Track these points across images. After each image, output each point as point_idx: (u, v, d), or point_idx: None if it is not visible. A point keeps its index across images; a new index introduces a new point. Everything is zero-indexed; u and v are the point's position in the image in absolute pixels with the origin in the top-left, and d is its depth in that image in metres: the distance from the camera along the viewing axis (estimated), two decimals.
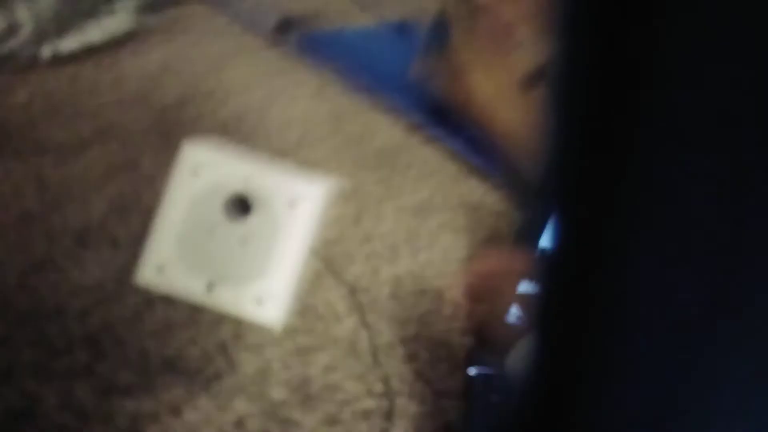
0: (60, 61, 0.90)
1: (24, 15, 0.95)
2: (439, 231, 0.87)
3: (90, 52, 0.91)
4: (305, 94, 1.01)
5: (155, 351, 0.60)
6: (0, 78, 0.88)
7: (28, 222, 0.70)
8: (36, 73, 0.89)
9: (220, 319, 0.65)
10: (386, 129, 1.01)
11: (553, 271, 0.24)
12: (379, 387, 0.64)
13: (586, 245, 0.22)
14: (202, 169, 0.66)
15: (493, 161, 0.97)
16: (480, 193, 0.97)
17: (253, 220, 0.66)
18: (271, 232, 0.66)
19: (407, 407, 0.63)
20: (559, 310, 0.24)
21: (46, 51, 0.97)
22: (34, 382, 0.52)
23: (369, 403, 0.62)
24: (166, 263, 0.65)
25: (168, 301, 0.66)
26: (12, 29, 0.93)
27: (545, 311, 0.25)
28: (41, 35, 0.93)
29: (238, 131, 0.92)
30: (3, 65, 0.89)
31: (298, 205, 0.67)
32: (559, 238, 0.23)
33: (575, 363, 0.23)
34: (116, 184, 0.77)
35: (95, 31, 0.95)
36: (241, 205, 0.67)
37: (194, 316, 0.65)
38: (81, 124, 0.84)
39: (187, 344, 0.62)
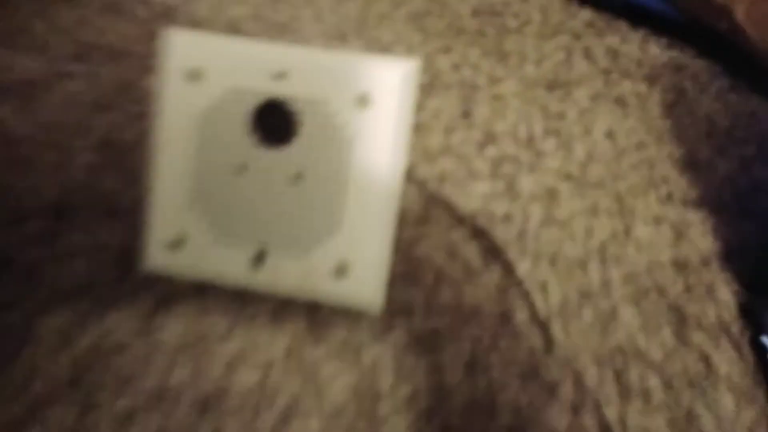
0: None
1: None
2: (595, 107, 0.56)
3: None
4: None
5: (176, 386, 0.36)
6: None
7: None
8: None
9: (278, 310, 0.40)
10: None
11: None
12: (568, 389, 0.37)
13: None
14: (205, 69, 0.40)
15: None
16: (637, 45, 0.64)
17: (304, 139, 0.40)
18: (336, 155, 0.40)
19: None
20: None
21: None
22: None
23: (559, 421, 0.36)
24: (185, 233, 0.41)
25: (194, 291, 0.41)
26: None
27: None
28: None
29: (270, 18, 0.63)
30: None
31: (375, 101, 0.39)
32: None
33: None
34: (108, 120, 0.52)
35: None
36: (277, 121, 0.40)
37: (235, 311, 0.40)
38: (56, 45, 0.59)
39: (232, 369, 0.38)
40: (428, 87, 0.57)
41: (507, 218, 0.46)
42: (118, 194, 0.46)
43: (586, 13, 0.68)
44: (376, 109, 0.38)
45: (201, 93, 0.39)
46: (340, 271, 0.40)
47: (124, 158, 0.49)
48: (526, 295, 0.41)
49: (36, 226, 0.44)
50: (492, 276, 0.42)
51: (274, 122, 0.39)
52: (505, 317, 0.39)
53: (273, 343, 0.39)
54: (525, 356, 0.38)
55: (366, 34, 0.62)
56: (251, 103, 0.39)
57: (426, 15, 0.66)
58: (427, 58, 0.60)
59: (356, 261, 0.40)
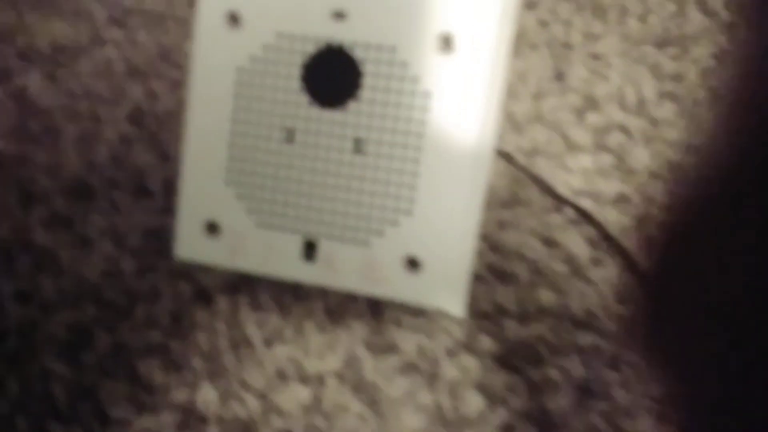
0: None
1: None
2: (723, 67, 0.46)
3: None
4: None
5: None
6: None
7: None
8: None
9: (335, 310, 0.33)
10: None
11: None
12: None
13: None
14: (247, 11, 0.32)
15: None
16: None
17: (367, 96, 0.31)
18: (407, 116, 0.31)
19: None
20: None
21: None
22: None
23: None
24: (222, 215, 0.34)
25: (234, 284, 0.34)
26: None
27: None
28: None
29: None
30: None
31: (461, 45, 0.30)
32: None
33: None
34: (143, 88, 0.46)
35: None
36: (334, 73, 0.32)
37: (287, 308, 0.33)
38: (90, 9, 0.54)
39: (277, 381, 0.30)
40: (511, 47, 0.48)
41: (620, 199, 0.37)
42: (149, 170, 0.40)
43: None
44: (462, 55, 0.30)
45: (242, 40, 0.32)
46: (412, 263, 0.32)
47: (159, 130, 0.43)
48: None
49: (56, 205, 0.38)
50: (606, 272, 0.33)
51: (330, 75, 0.31)
52: (631, 326, 0.30)
53: (329, 350, 0.31)
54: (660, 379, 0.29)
55: None
56: (302, 51, 0.32)
57: None
58: None
59: (432, 251, 0.31)
